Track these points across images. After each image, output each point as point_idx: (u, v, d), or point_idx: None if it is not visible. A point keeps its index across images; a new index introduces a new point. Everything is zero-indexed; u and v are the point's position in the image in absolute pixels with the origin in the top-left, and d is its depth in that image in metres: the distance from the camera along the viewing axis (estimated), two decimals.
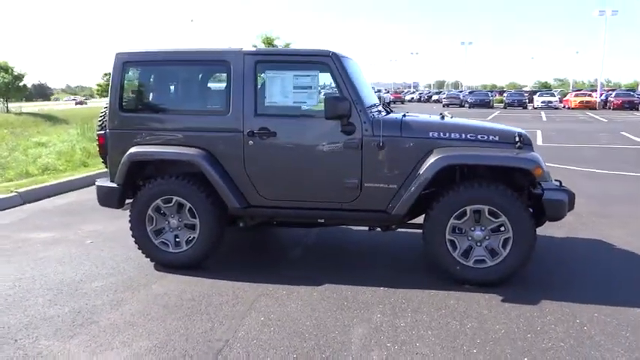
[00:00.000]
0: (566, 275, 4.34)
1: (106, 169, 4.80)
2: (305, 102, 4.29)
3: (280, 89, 4.30)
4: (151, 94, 4.68)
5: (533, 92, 49.49)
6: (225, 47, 4.47)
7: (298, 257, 4.91)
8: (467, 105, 41.76)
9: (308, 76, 4.25)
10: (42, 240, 5.42)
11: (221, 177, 4.29)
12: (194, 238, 4.41)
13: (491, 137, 4.17)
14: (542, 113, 33.13)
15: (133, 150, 4.39)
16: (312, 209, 4.35)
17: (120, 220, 5.85)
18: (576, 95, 41.66)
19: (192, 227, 4.42)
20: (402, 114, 4.52)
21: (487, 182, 3.99)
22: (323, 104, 4.19)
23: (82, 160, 10.45)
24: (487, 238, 4.04)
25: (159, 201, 4.42)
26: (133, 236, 4.52)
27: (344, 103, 4.04)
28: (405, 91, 71.59)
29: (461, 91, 55.40)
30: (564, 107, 40.37)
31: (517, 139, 4.15)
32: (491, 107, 40.99)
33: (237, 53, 4.33)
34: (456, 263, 4.05)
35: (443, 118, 4.59)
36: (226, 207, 4.39)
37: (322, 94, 4.46)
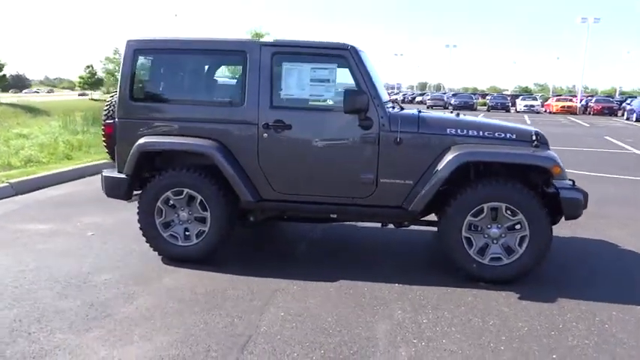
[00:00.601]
0: (577, 273, 4.36)
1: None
2: (322, 95, 4.24)
3: (297, 82, 4.24)
4: (163, 84, 4.58)
5: (516, 96, 50.12)
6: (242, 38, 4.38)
7: (306, 253, 4.86)
8: (451, 107, 42.07)
9: (326, 69, 4.20)
10: (40, 231, 5.26)
11: (235, 170, 4.20)
12: (204, 231, 4.32)
13: (508, 135, 4.17)
14: (526, 117, 33.58)
15: (143, 140, 4.28)
16: (325, 204, 4.29)
17: (118, 212, 5.76)
18: (558, 100, 42.37)
19: (203, 220, 4.33)
20: (417, 110, 4.49)
21: (505, 180, 3.98)
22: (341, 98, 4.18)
23: (65, 152, 10.20)
24: (503, 235, 4.03)
25: (169, 193, 4.32)
26: (140, 228, 4.42)
27: (363, 97, 4.00)
28: (389, 92, 71.75)
29: (444, 93, 55.81)
30: (546, 111, 40.98)
31: (534, 137, 4.15)
32: (475, 110, 41.38)
33: (254, 44, 4.26)
34: (472, 261, 4.04)
35: (458, 115, 4.58)
36: (238, 200, 4.31)
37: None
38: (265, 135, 4.21)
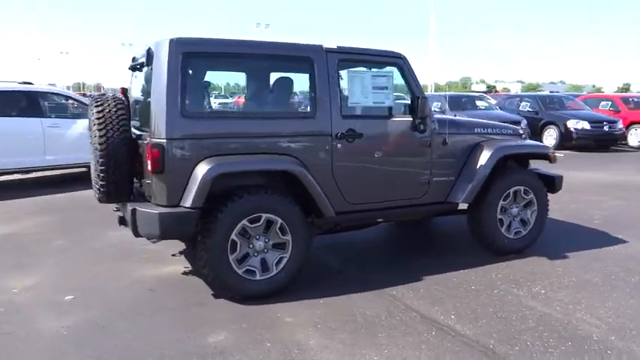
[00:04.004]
0: None
1: None
2: (383, 102, 4.28)
3: (360, 89, 4.18)
4: (222, 95, 3.80)
5: None
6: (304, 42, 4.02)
7: (339, 261, 4.77)
8: None
9: (384, 76, 4.27)
10: None
11: (318, 185, 3.91)
12: (284, 257, 3.88)
13: (509, 131, 5.07)
14: None
15: (217, 162, 3.56)
16: (390, 209, 4.39)
17: (42, 265, 4.67)
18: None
19: (282, 246, 3.87)
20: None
21: (522, 168, 4.87)
22: (396, 104, 4.36)
23: None
24: (520, 212, 4.90)
25: (245, 221, 3.70)
26: (209, 273, 3.68)
27: (428, 103, 4.28)
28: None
29: None
30: None
31: (521, 131, 5.16)
32: None
33: (319, 50, 3.99)
34: (504, 237, 4.79)
35: (455, 116, 5.23)
36: (309, 219, 4.03)
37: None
38: (339, 146, 4.04)
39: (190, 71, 3.63)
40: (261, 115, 3.91)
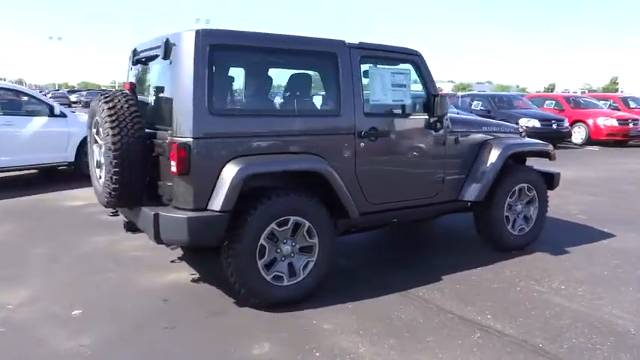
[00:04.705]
0: None
1: None
2: (402, 100, 4.20)
3: (381, 87, 4.07)
4: (249, 91, 3.60)
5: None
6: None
7: (350, 264, 4.65)
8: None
9: (402, 73, 4.19)
10: None
11: (344, 185, 3.78)
12: (311, 261, 3.72)
13: (510, 129, 5.12)
14: None
15: (245, 163, 3.35)
16: (406, 208, 4.32)
17: (29, 275, 4.27)
18: None
19: (309, 250, 3.71)
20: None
21: (523, 165, 4.95)
22: (411, 102, 4.29)
23: None
24: (523, 209, 4.98)
25: (273, 225, 3.51)
26: (236, 280, 3.47)
27: (447, 101, 4.24)
28: None
29: (70, 91, 50.79)
30: None
31: (520, 130, 5.24)
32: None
33: (342, 45, 3.84)
34: (510, 234, 4.85)
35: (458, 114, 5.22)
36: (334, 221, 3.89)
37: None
38: (362, 144, 3.92)
39: (217, 65, 3.38)
40: (288, 112, 3.73)
